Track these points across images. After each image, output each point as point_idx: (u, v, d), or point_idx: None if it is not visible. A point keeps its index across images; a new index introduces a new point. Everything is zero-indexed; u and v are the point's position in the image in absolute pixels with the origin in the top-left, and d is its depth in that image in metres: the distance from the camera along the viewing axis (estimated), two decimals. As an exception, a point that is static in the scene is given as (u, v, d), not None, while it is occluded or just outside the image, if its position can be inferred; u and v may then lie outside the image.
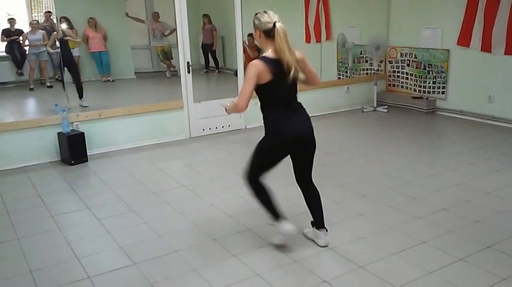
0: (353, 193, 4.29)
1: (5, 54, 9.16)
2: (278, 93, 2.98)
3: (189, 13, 6.05)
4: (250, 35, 7.86)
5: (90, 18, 8.70)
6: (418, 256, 3.15)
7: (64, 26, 8.91)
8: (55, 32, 6.85)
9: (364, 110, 7.59)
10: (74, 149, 5.27)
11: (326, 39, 8.33)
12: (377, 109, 7.57)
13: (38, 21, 9.23)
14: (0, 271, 3.16)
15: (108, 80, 8.88)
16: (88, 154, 5.41)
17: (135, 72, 9.64)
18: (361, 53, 8.09)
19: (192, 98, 6.22)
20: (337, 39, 7.89)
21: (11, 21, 9.15)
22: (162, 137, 6.10)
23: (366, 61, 8.08)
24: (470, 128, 6.43)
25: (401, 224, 3.63)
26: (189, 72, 6.15)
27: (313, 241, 3.39)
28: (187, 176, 4.88)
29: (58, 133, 5.35)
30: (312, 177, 3.39)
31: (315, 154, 3.37)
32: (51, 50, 7.04)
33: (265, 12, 2.90)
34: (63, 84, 6.69)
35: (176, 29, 6.10)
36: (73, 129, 5.41)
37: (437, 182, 4.51)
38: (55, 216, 3.98)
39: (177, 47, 6.14)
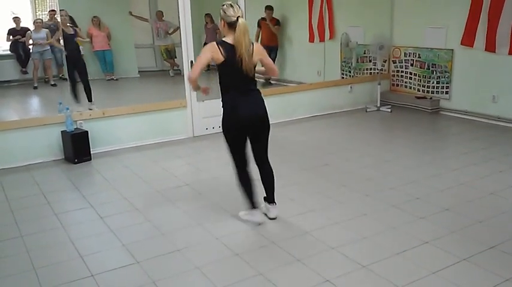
0: (356, 193, 4.29)
1: (9, 52, 9.20)
2: (231, 76, 3.35)
3: (192, 12, 6.05)
4: (268, 7, 7.99)
5: (94, 16, 8.71)
6: (421, 256, 3.15)
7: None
8: (60, 30, 6.83)
9: (368, 110, 7.58)
10: (77, 147, 5.28)
11: (329, 38, 8.34)
12: (380, 109, 7.55)
13: (42, 19, 9.26)
14: (4, 268, 3.17)
15: (112, 79, 8.89)
16: (91, 152, 5.42)
17: (139, 71, 9.65)
18: (364, 53, 8.08)
19: (195, 97, 6.22)
20: (341, 38, 7.89)
21: (16, 20, 9.18)
22: (165, 136, 6.10)
23: (370, 61, 8.06)
24: (474, 129, 6.41)
25: (404, 224, 3.62)
26: (192, 71, 6.14)
27: (265, 214, 3.78)
28: (190, 175, 4.89)
29: (62, 132, 5.36)
30: (268, 157, 3.72)
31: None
32: (56, 43, 7.06)
33: (231, 6, 3.27)
34: (73, 87, 6.68)
35: (180, 28, 6.11)
36: (77, 128, 5.42)
37: (440, 182, 4.50)
38: (59, 214, 4.00)
39: (181, 46, 6.15)
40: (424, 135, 6.25)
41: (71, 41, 6.78)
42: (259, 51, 3.41)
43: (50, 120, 5.42)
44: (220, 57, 3.28)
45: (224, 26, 3.32)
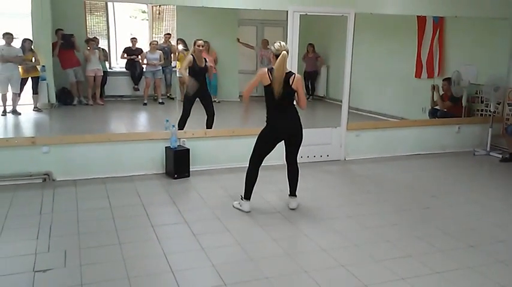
0: (459, 242, 3.95)
1: (124, 70, 9.99)
2: (273, 95, 4.22)
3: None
4: (445, 79, 7.64)
5: (204, 41, 9.14)
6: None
7: (180, 47, 9.47)
8: (190, 56, 6.37)
9: (476, 153, 7.06)
10: (178, 163, 5.50)
11: (438, 75, 7.97)
12: (490, 153, 7.00)
13: (157, 41, 9.95)
14: (101, 273, 3.33)
15: (214, 101, 9.23)
16: (190, 169, 5.61)
17: (239, 96, 9.93)
18: (476, 93, 7.59)
19: (294, 125, 6.22)
20: (452, 76, 7.48)
21: (133, 40, 9.98)
22: (260, 161, 6.15)
23: (482, 101, 7.55)
24: None
25: (516, 285, 3.26)
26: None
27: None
28: (282, 202, 4.84)
29: (166, 147, 5.62)
30: (297, 159, 4.58)
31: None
32: (185, 74, 6.24)
33: (280, 43, 4.28)
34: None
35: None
36: (179, 145, 5.66)
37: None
38: (155, 226, 4.15)
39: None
40: (540, 187, 5.65)
41: (203, 74, 6.36)
42: (297, 82, 4.29)
43: (156, 136, 5.72)
44: (267, 81, 4.24)
45: (273, 57, 4.27)
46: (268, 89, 4.27)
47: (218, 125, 6.57)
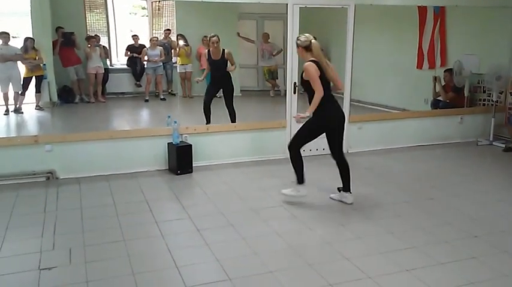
0: (463, 232, 3.95)
1: (126, 67, 9.98)
2: (326, 85, 4.24)
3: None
4: (447, 70, 7.59)
5: (205, 36, 9.11)
6: (540, 313, 2.80)
7: (181, 42, 9.45)
8: (205, 51, 6.89)
9: (479, 144, 7.04)
10: (181, 159, 5.51)
11: (440, 65, 7.93)
12: (493, 143, 6.98)
13: (157, 38, 9.93)
14: (106, 269, 3.35)
15: (216, 96, 9.23)
16: (193, 165, 5.61)
17: (241, 90, 9.91)
18: (478, 82, 7.56)
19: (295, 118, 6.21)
20: (453, 66, 7.45)
21: (134, 38, 9.96)
22: (263, 155, 6.16)
23: (484, 91, 7.52)
24: None
25: (520, 274, 3.26)
26: (294, 92, 6.17)
27: (341, 201, 4.59)
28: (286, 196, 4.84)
29: (168, 143, 5.63)
30: (343, 151, 4.62)
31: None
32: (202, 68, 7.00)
33: (304, 35, 4.33)
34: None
35: (286, 51, 6.18)
36: (182, 141, 5.66)
37: None
38: (159, 222, 4.16)
39: (284, 68, 6.21)
40: (544, 176, 5.64)
41: (219, 66, 6.71)
42: (331, 66, 4.37)
43: (158, 132, 5.72)
44: (319, 73, 4.20)
45: (302, 51, 4.32)
46: (320, 80, 4.21)
47: (220, 120, 6.58)
